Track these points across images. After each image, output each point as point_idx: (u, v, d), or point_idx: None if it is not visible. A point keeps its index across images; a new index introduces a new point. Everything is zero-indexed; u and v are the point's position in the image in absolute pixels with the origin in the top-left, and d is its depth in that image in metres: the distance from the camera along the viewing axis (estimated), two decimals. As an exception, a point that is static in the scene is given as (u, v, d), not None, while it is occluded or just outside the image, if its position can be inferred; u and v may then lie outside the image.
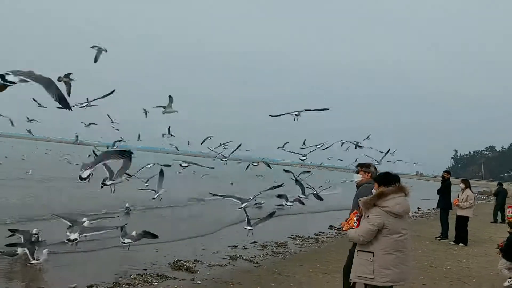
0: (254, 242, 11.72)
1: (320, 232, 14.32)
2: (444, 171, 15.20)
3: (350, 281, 5.18)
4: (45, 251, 7.80)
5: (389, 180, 4.95)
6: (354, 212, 5.28)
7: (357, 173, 6.22)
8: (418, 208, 26.35)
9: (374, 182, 5.23)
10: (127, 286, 7.04)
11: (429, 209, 25.89)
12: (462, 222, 13.12)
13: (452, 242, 13.24)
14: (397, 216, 4.74)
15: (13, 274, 7.43)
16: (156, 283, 7.31)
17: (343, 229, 5.34)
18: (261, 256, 10.08)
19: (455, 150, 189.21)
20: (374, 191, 5.12)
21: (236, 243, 11.44)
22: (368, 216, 4.82)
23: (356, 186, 6.27)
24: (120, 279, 7.41)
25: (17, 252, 7.65)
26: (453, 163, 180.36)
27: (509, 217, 8.98)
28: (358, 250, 4.94)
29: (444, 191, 14.31)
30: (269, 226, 15.41)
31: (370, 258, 4.74)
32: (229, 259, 9.54)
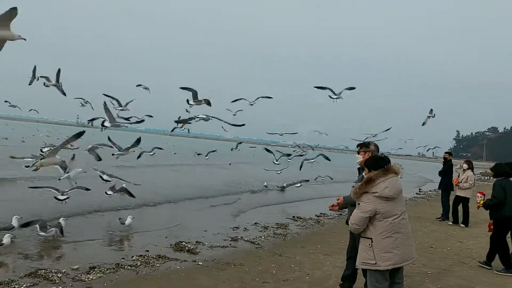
0: (255, 223, 11.78)
1: (321, 213, 14.37)
2: (446, 152, 15.17)
3: (356, 267, 5.21)
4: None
5: (378, 165, 4.86)
6: None
7: (358, 153, 6.06)
8: (419, 189, 26.45)
9: (365, 166, 5.13)
10: (129, 267, 7.08)
11: (430, 190, 25.97)
12: (462, 202, 13.13)
13: (450, 223, 13.29)
14: (389, 199, 4.71)
15: (13, 255, 7.47)
16: (158, 264, 7.36)
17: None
18: (262, 237, 10.13)
19: (457, 131, 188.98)
20: (364, 174, 5.08)
21: (238, 224, 11.50)
22: (359, 204, 4.79)
23: (358, 169, 6.20)
24: (122, 260, 7.46)
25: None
26: (455, 144, 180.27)
27: (478, 202, 8.91)
28: (360, 237, 4.94)
29: (446, 173, 14.30)
30: (270, 208, 15.58)
31: (369, 244, 4.74)
32: (231, 240, 9.60)
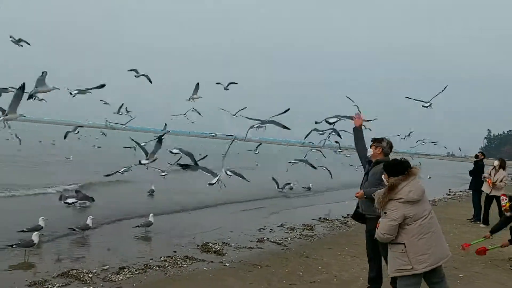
0: (281, 224, 11.75)
1: (348, 214, 14.15)
2: (478, 152, 14.75)
3: (389, 275, 5.12)
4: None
5: (397, 171, 4.78)
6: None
7: (370, 147, 6.17)
8: (449, 189, 25.82)
9: (384, 171, 5.05)
10: (157, 268, 7.18)
11: (460, 191, 25.33)
12: (497, 202, 12.71)
13: (482, 225, 12.91)
14: (414, 203, 4.63)
15: (47, 256, 7.68)
16: (185, 265, 7.43)
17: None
18: (289, 238, 10.09)
19: (488, 129, 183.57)
20: (383, 178, 4.99)
21: (264, 225, 11.50)
22: (385, 213, 4.70)
23: (368, 161, 6.20)
24: (150, 261, 7.57)
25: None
26: (486, 143, 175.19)
27: (504, 204, 8.70)
28: (390, 244, 4.83)
29: (477, 172, 13.91)
30: (296, 209, 15.51)
31: (403, 250, 4.64)
32: (257, 241, 9.60)
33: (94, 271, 6.78)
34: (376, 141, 6.09)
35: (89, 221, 9.14)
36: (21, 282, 6.18)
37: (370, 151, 6.11)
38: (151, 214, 9.94)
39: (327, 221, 12.85)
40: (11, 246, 7.42)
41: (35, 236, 7.50)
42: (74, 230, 9.04)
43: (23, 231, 8.24)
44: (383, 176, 4.99)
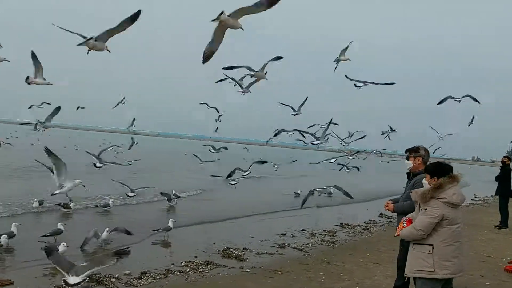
0: (302, 230, 11.66)
1: (370, 220, 14.02)
2: (504, 156, 14.36)
3: (405, 276, 5.01)
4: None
5: (443, 171, 4.73)
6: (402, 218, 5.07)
7: (407, 159, 5.85)
8: (474, 195, 25.19)
9: (425, 172, 4.96)
10: (178, 273, 7.21)
11: (486, 196, 24.69)
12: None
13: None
14: (454, 206, 4.57)
15: (71, 259, 7.77)
16: (206, 271, 7.44)
17: (396, 234, 5.13)
18: (310, 244, 10.01)
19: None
20: (424, 181, 4.90)
21: (284, 231, 11.43)
22: (425, 209, 4.62)
23: (407, 173, 5.99)
24: (171, 266, 7.61)
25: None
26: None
27: None
28: (414, 244, 4.75)
29: (503, 178, 13.54)
30: (317, 215, 15.38)
31: (429, 251, 4.56)
32: (278, 247, 9.55)
33: (116, 275, 6.84)
34: (413, 152, 5.78)
35: (170, 223, 9.81)
36: (46, 286, 6.30)
37: (409, 164, 5.79)
38: (171, 219, 10.00)
39: (349, 227, 12.70)
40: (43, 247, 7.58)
41: (61, 247, 7.61)
42: (157, 230, 9.68)
43: (45, 235, 8.50)
44: (424, 179, 4.91)
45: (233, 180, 18.18)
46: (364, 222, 13.63)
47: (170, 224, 9.88)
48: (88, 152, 17.83)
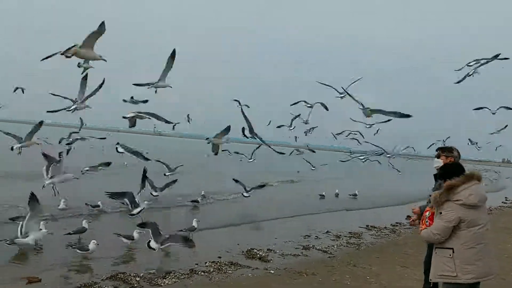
0: (327, 232, 11.49)
1: (397, 222, 13.72)
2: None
3: (430, 281, 4.82)
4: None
5: (453, 172, 4.46)
6: (426, 209, 4.86)
7: (438, 157, 5.58)
8: (505, 197, 24.47)
9: (438, 178, 4.74)
10: (202, 273, 7.18)
11: (519, 199, 23.92)
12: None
13: None
14: (473, 207, 4.32)
15: (97, 259, 7.83)
16: (230, 271, 7.39)
17: (419, 230, 4.93)
18: (335, 246, 9.84)
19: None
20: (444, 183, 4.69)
21: (309, 232, 11.28)
22: (441, 213, 4.42)
23: (434, 175, 5.77)
24: (195, 266, 7.59)
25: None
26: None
27: None
28: (436, 248, 4.55)
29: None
30: (341, 216, 15.17)
31: (450, 255, 4.34)
32: (302, 248, 9.43)
33: (141, 274, 6.87)
34: (446, 151, 5.55)
35: (194, 223, 9.81)
36: (72, 284, 6.36)
37: (438, 162, 5.52)
38: (195, 219, 10.00)
39: (375, 229, 12.45)
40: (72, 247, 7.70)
41: (92, 245, 7.72)
42: (182, 231, 9.60)
43: (70, 233, 8.67)
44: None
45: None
46: (391, 224, 13.35)
47: (195, 224, 9.88)
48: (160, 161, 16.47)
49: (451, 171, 4.55)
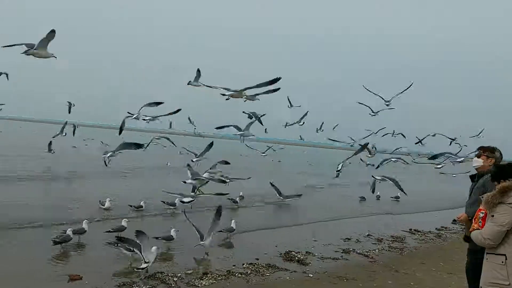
0: (368, 235, 11.16)
1: (442, 226, 13.14)
2: None
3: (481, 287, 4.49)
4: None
5: (507, 173, 4.16)
6: (479, 208, 4.52)
7: (478, 157, 5.25)
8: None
9: (490, 176, 4.40)
10: (239, 275, 7.10)
11: None
12: None
13: None
14: None
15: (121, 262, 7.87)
16: (268, 274, 7.27)
17: (469, 230, 4.59)
18: (377, 250, 9.52)
19: None
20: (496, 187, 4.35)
21: (349, 235, 10.98)
22: (493, 216, 4.10)
23: (475, 175, 5.41)
24: (233, 267, 7.52)
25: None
26: None
27: None
28: (487, 253, 4.24)
29: None
30: (383, 220, 14.68)
31: (502, 262, 4.04)
32: (342, 252, 9.17)
33: (178, 274, 6.88)
34: (487, 151, 5.21)
35: (233, 224, 9.92)
36: (112, 283, 6.44)
37: (478, 162, 5.22)
38: (233, 220, 9.97)
39: (419, 233, 11.97)
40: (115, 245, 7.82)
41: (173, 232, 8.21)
42: (221, 231, 9.67)
43: (109, 231, 8.82)
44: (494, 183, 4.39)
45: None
46: (436, 228, 12.81)
47: (233, 225, 9.85)
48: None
49: (508, 172, 4.23)
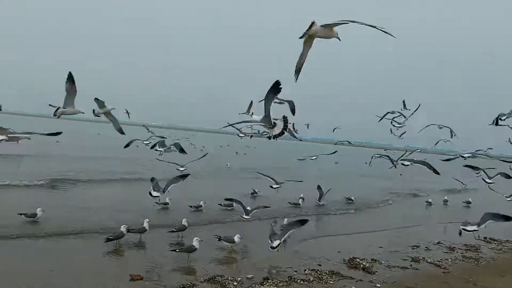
0: (438, 243, 10.41)
1: (521, 235, 12.00)
2: None
3: None
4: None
5: None
6: None
7: None
8: None
9: None
10: (301, 281, 6.80)
11: None
12: None
13: None
14: None
15: (197, 260, 7.78)
16: (331, 282, 6.90)
17: None
18: (449, 260, 8.80)
19: None
20: None
21: (417, 242, 10.29)
22: None
23: None
24: (294, 273, 7.23)
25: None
26: None
27: None
28: None
29: None
30: (450, 227, 13.65)
31: None
32: (411, 260, 8.57)
33: (238, 279, 6.69)
34: None
35: (145, 225, 9.30)
36: (172, 284, 6.37)
37: None
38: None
39: (495, 242, 10.99)
40: (175, 251, 7.76)
41: (195, 242, 7.73)
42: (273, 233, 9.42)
43: (173, 231, 8.98)
44: None
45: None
46: (514, 237, 11.70)
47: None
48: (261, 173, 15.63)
49: None
